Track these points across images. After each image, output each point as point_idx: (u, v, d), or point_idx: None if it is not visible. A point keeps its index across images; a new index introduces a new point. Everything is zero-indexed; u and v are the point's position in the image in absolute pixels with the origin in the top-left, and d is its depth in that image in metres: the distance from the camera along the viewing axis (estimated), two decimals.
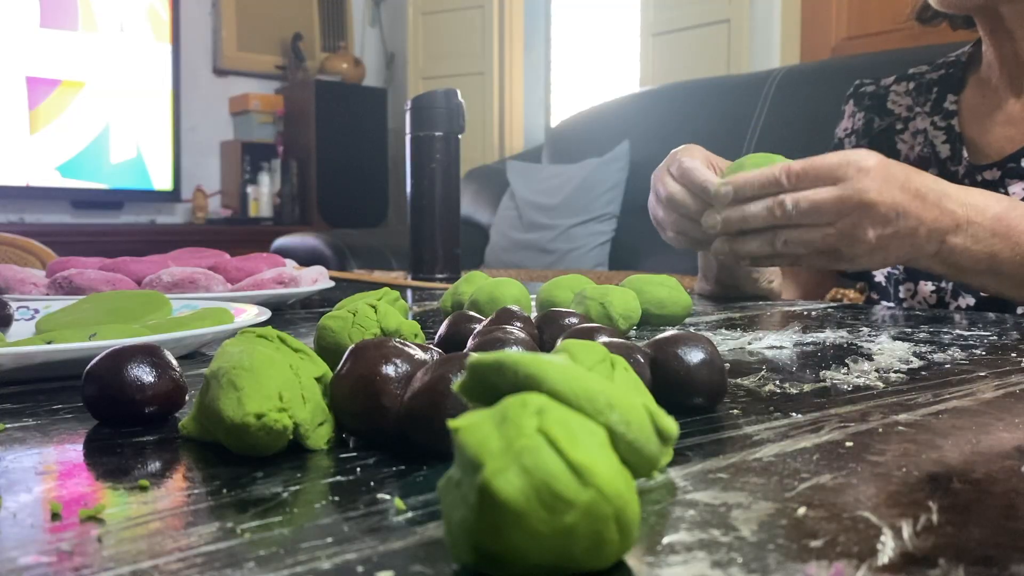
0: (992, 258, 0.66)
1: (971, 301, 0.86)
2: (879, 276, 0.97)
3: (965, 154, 0.88)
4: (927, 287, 0.90)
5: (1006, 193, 0.82)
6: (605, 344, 0.33)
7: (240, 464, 0.27)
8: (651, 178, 0.76)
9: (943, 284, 0.89)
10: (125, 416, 0.32)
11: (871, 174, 0.63)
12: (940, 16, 0.90)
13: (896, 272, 0.94)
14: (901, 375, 0.42)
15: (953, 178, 0.87)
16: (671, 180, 0.72)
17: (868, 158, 0.63)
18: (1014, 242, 0.66)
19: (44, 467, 0.28)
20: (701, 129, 2.29)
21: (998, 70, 0.87)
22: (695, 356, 0.34)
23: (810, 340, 0.54)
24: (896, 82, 0.99)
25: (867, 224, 0.63)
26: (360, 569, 0.19)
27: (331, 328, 0.40)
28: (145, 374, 0.32)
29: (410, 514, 0.23)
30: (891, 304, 0.95)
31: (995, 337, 0.55)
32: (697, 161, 0.71)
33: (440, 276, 1.19)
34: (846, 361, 0.45)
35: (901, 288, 0.93)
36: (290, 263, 0.87)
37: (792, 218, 0.64)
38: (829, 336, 0.56)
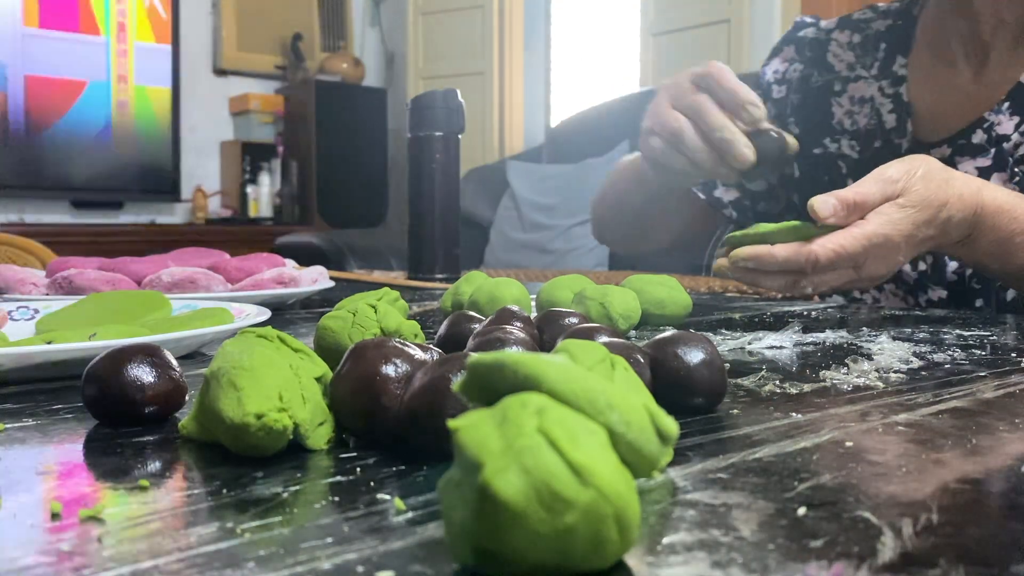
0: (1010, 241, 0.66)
1: (943, 294, 0.84)
2: None
3: (910, 127, 0.85)
4: None
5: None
6: (605, 344, 0.33)
7: (240, 464, 0.27)
8: (671, 85, 0.73)
9: (906, 269, 0.86)
10: (125, 416, 0.32)
11: (892, 250, 0.61)
12: None
13: None
14: (901, 375, 0.42)
15: (896, 151, 0.85)
16: (680, 116, 0.71)
17: (893, 234, 0.60)
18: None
19: (44, 467, 0.28)
20: None
21: (954, 41, 0.84)
22: (695, 356, 0.34)
23: (810, 340, 0.54)
24: (839, 29, 0.93)
25: (886, 270, 0.63)
26: (360, 569, 0.19)
27: (331, 328, 0.40)
28: (145, 374, 0.32)
29: (410, 514, 0.23)
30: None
31: (995, 337, 0.55)
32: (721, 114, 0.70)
33: (440, 276, 1.19)
34: (846, 361, 0.45)
35: None
36: (290, 263, 0.87)
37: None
38: (829, 336, 0.56)
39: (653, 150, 0.75)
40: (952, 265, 0.82)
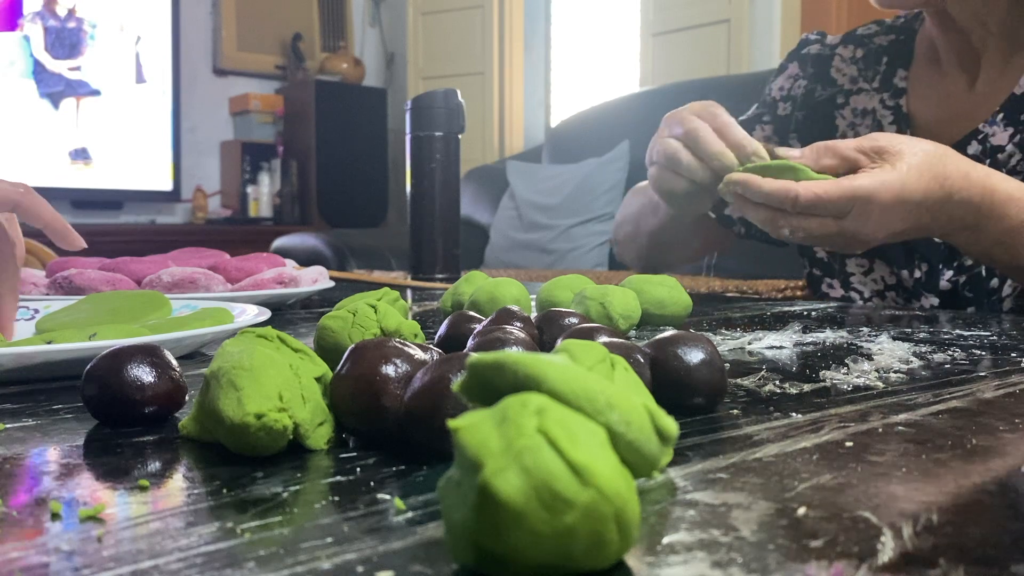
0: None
1: (935, 301, 0.84)
2: (821, 252, 0.94)
3: None
4: (884, 268, 0.88)
5: None
6: (605, 344, 0.32)
7: (240, 464, 0.27)
8: (663, 120, 0.75)
9: (898, 270, 0.87)
10: (125, 416, 0.32)
11: (878, 210, 0.62)
12: None
13: None
14: (901, 375, 0.42)
15: None
16: (675, 141, 0.72)
17: (880, 191, 0.61)
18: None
19: (44, 467, 0.28)
20: None
21: (947, 54, 0.85)
22: (695, 356, 0.34)
23: (810, 340, 0.54)
24: (843, 44, 0.94)
25: (870, 230, 0.64)
26: (360, 569, 0.19)
27: (331, 328, 0.40)
28: (145, 374, 0.32)
29: (410, 514, 0.23)
30: (832, 281, 0.93)
31: (995, 337, 0.55)
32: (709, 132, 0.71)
33: (440, 276, 1.19)
34: (846, 361, 0.45)
35: (850, 262, 0.91)
36: (290, 263, 0.87)
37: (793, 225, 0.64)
38: (829, 336, 0.56)
39: (656, 179, 0.77)
40: (947, 274, 0.82)
